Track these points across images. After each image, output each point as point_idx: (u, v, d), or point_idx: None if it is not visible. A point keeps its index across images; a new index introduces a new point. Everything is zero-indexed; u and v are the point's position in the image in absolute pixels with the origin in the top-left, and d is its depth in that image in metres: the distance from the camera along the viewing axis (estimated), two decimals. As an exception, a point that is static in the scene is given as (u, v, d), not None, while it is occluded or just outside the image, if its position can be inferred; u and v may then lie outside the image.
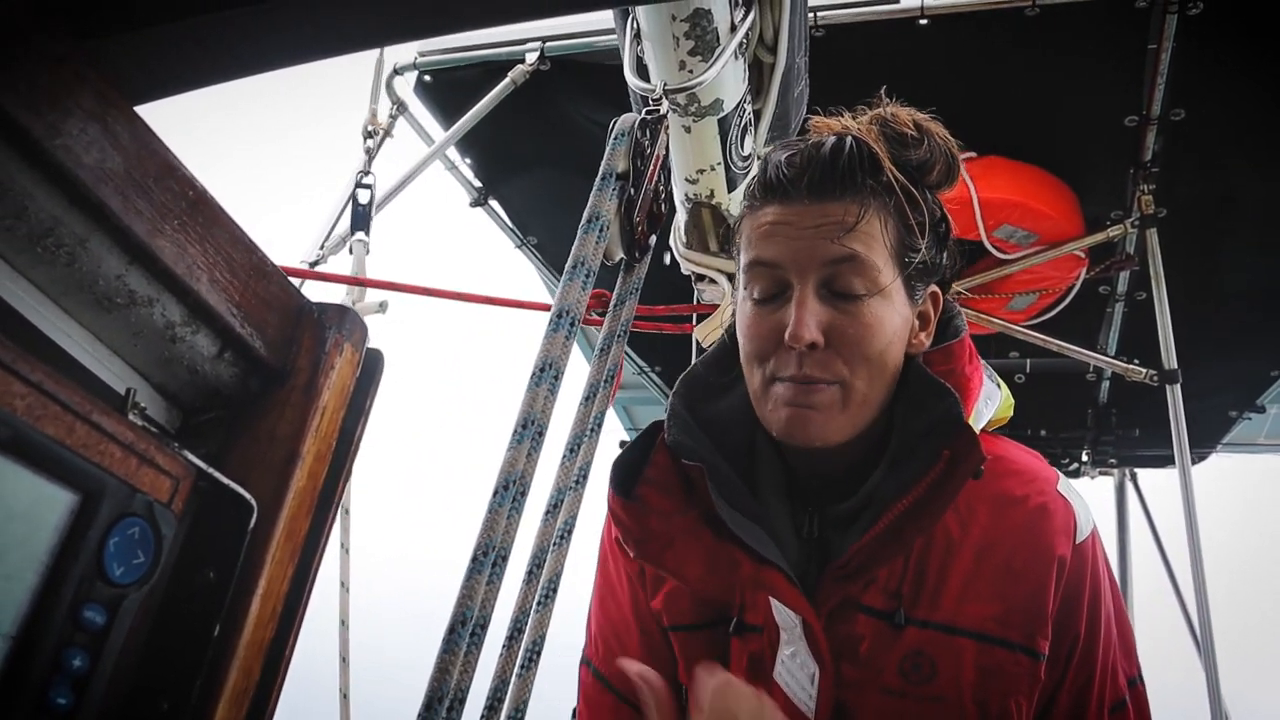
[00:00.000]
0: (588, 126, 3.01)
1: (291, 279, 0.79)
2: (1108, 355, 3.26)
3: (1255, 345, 3.37)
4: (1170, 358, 2.86)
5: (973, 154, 2.70)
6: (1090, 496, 1.26)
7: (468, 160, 3.25)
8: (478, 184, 3.34)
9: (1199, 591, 2.83)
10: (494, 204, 3.39)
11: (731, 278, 1.64)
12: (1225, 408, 3.75)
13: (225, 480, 0.65)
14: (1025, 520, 1.16)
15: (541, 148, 3.19)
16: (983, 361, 1.26)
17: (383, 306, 2.36)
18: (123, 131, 0.60)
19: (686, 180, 1.54)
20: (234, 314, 0.70)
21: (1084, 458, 4.13)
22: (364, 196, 2.62)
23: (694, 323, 2.20)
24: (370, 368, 0.79)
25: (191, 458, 0.62)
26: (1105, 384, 3.75)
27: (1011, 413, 1.32)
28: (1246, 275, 3.11)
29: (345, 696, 2.76)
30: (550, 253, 3.55)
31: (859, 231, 1.09)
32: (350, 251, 2.56)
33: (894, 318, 1.13)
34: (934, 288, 1.19)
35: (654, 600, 1.28)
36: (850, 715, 1.11)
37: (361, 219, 2.57)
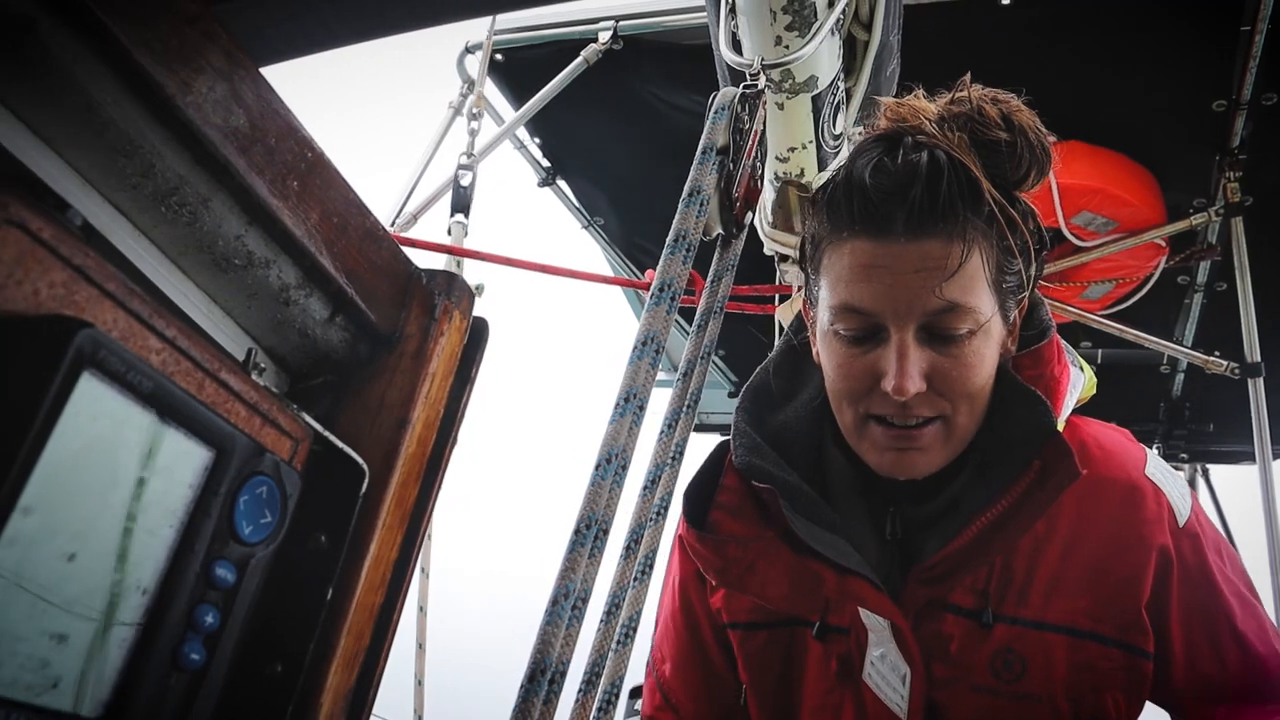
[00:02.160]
0: (659, 106, 2.99)
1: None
2: (1184, 345, 3.18)
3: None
4: (1253, 350, 2.78)
5: (1053, 138, 2.64)
6: None
7: (536, 140, 3.25)
8: (546, 164, 3.34)
9: (1278, 591, 2.75)
10: (561, 184, 3.40)
11: None
12: (1307, 404, 3.64)
13: (340, 444, 0.64)
14: (1113, 510, 1.13)
15: (611, 128, 3.18)
16: (1064, 344, 1.23)
17: (479, 289, 2.37)
18: (248, 91, 0.60)
19: (777, 158, 1.52)
20: (347, 278, 0.69)
21: (1155, 451, 4.05)
22: (465, 179, 2.62)
23: (775, 303, 2.17)
24: (476, 336, 0.78)
25: (309, 420, 0.62)
26: (1180, 376, 3.66)
27: (1094, 390, 1.29)
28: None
29: (420, 683, 2.80)
30: (616, 233, 3.55)
31: (963, 274, 1.02)
32: (449, 233, 2.58)
33: (993, 346, 1.08)
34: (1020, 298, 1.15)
35: (713, 598, 1.27)
36: (943, 714, 1.10)
37: (461, 201, 2.58)
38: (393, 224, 2.84)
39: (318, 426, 0.63)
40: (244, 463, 0.52)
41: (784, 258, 1.86)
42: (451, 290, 0.77)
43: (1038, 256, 1.13)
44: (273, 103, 0.62)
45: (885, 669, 1.11)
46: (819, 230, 1.12)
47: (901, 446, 1.06)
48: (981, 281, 1.04)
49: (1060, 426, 1.12)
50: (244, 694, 0.56)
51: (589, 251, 3.77)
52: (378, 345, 0.73)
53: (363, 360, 0.74)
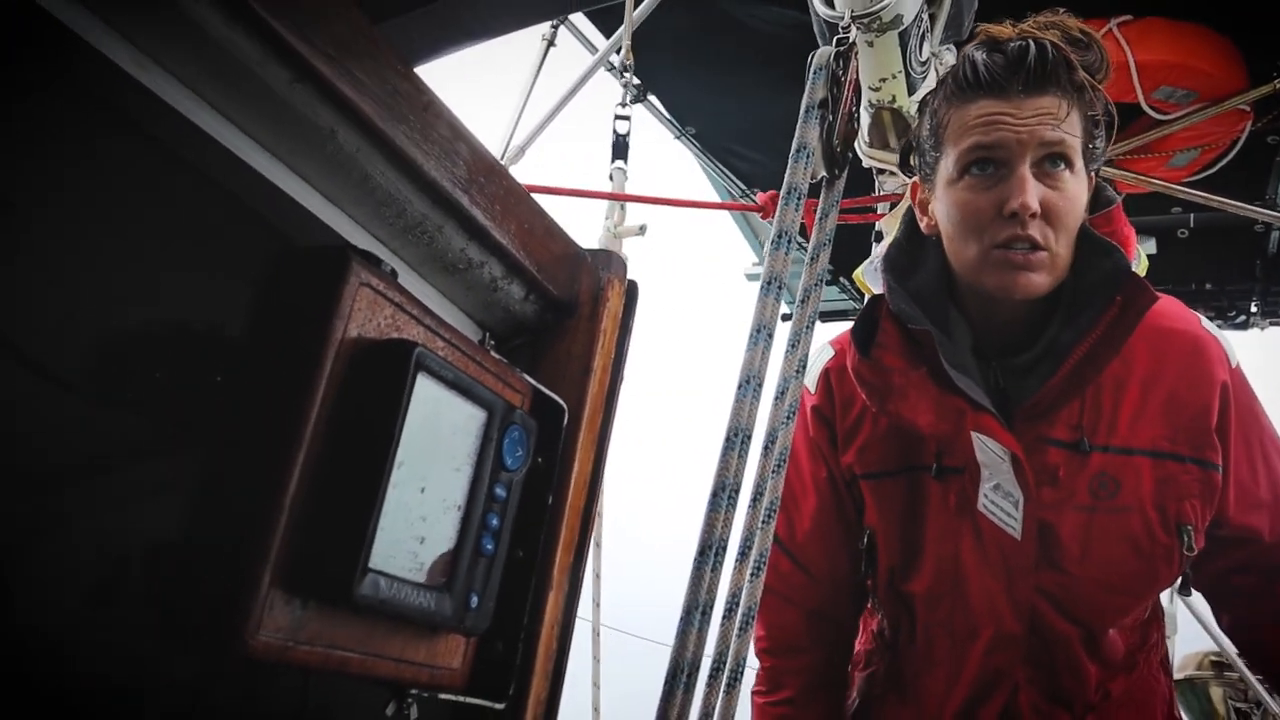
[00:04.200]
0: (742, 16, 3.12)
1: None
2: (1276, 208, 3.23)
3: None
4: (1341, 208, 2.84)
5: (1128, 17, 2.71)
6: (1263, 348, 1.49)
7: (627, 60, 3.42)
8: (636, 81, 3.51)
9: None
10: (652, 98, 3.57)
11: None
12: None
13: (548, 392, 0.89)
14: (1182, 353, 1.39)
15: (697, 41, 3.32)
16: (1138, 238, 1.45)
17: (642, 230, 2.58)
18: (465, 149, 0.83)
19: (870, 88, 1.68)
20: (536, 268, 0.93)
21: (1253, 309, 4.10)
22: (622, 128, 2.79)
23: (877, 211, 2.37)
24: (631, 296, 1.01)
25: (528, 378, 0.86)
26: (1275, 234, 3.69)
27: (1146, 271, 1.52)
28: None
29: (597, 576, 3.10)
30: (709, 141, 3.72)
31: (1067, 122, 1.28)
32: (611, 179, 2.76)
33: (1083, 194, 1.33)
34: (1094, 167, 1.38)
35: (845, 456, 1.51)
36: (1052, 531, 1.34)
37: (620, 148, 2.76)
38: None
39: (533, 382, 0.87)
40: (503, 416, 0.76)
41: (880, 171, 2.04)
42: (610, 264, 1.00)
43: (1109, 134, 1.37)
44: (480, 151, 0.85)
45: (999, 498, 1.35)
46: (939, 110, 1.38)
47: (1019, 265, 1.29)
48: (1077, 136, 1.30)
49: None
50: (506, 572, 0.82)
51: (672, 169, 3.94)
52: (560, 313, 0.97)
53: (549, 325, 0.98)
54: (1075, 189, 1.29)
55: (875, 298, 1.47)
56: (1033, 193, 1.25)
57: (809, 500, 1.55)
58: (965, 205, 1.31)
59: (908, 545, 1.46)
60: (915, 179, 1.45)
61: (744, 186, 3.88)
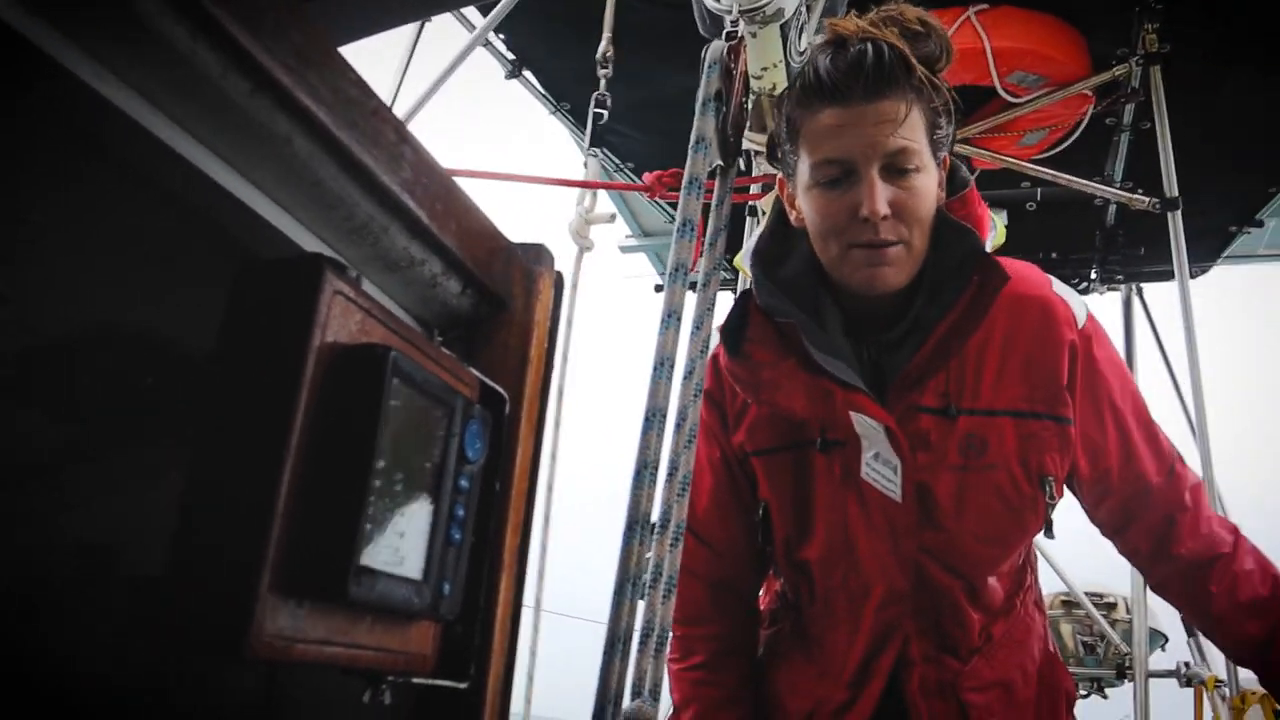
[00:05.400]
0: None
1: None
2: (1114, 184, 3.48)
3: (1253, 164, 3.58)
4: (1171, 186, 3.09)
5: (985, 5, 2.87)
6: (1099, 312, 1.62)
7: (501, 35, 3.42)
8: (511, 57, 3.51)
9: (1196, 394, 3.14)
10: (528, 74, 3.57)
11: None
12: (1225, 224, 3.99)
13: (492, 384, 0.92)
14: (1034, 317, 1.51)
15: (571, 19, 3.34)
16: (985, 205, 1.58)
17: (613, 218, 2.58)
18: (409, 152, 0.85)
19: (752, 76, 1.76)
20: (472, 263, 0.96)
21: (1093, 276, 4.41)
22: (600, 117, 2.75)
23: (751, 191, 2.46)
24: (559, 288, 1.06)
25: (475, 371, 0.90)
26: (1112, 207, 3.98)
27: (1003, 241, 1.66)
28: (1244, 101, 3.30)
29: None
30: (584, 117, 3.75)
31: (907, 123, 1.37)
32: (585, 166, 2.74)
33: (933, 185, 1.43)
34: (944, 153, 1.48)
35: (736, 435, 1.60)
36: (929, 492, 1.46)
37: (597, 136, 2.74)
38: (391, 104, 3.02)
39: (479, 375, 0.90)
40: (463, 411, 0.80)
41: (759, 153, 2.12)
42: (541, 258, 1.04)
43: (955, 119, 1.48)
44: (423, 155, 0.88)
45: (879, 465, 1.46)
46: (792, 114, 1.46)
47: (875, 263, 1.40)
48: (921, 131, 1.40)
49: None
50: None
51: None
52: (495, 306, 1.01)
53: (484, 318, 1.01)
54: (924, 184, 1.40)
55: (745, 293, 1.56)
56: (881, 198, 1.36)
57: (705, 479, 1.64)
58: (821, 210, 1.42)
59: (800, 515, 1.56)
60: (780, 175, 1.54)
61: (618, 162, 3.93)
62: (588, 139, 2.54)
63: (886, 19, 1.42)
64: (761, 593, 1.78)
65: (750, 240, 2.75)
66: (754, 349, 1.50)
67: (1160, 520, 1.56)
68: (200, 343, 0.70)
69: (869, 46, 1.37)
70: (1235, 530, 1.58)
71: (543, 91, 3.65)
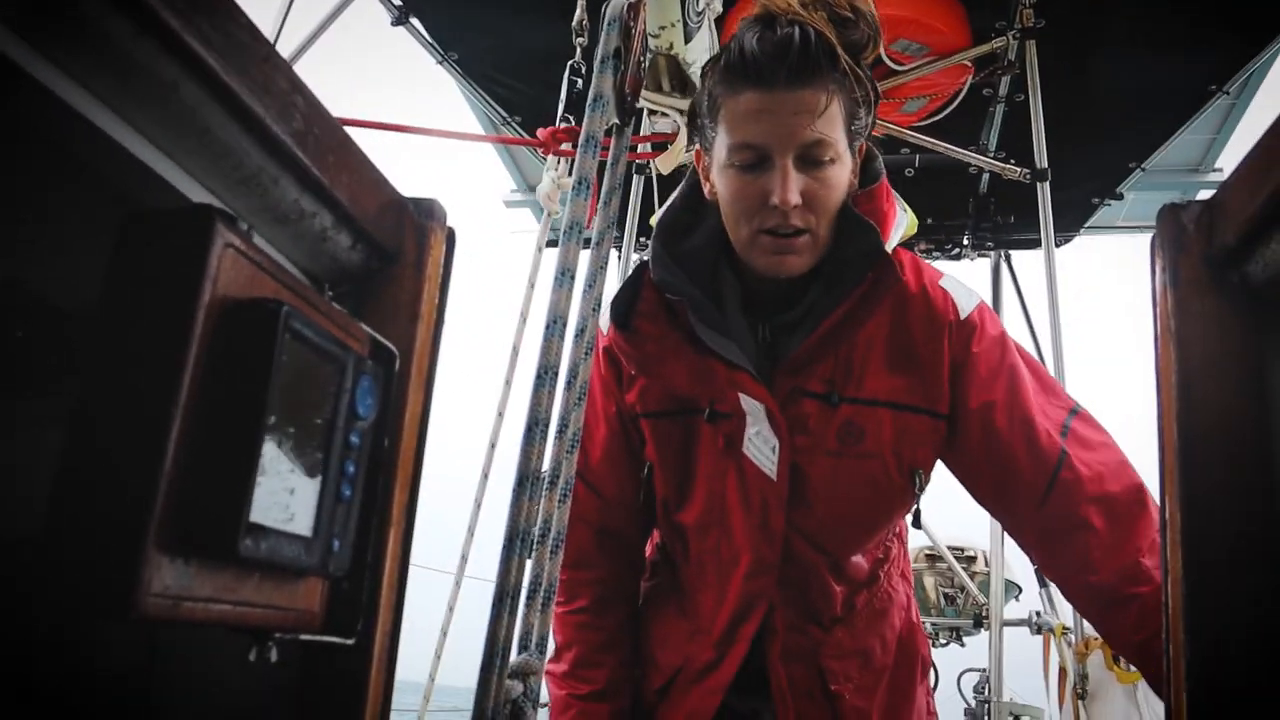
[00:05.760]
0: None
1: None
2: (988, 154, 3.61)
3: (1116, 141, 3.76)
4: (1041, 158, 3.22)
5: (874, -27, 2.92)
6: (971, 277, 1.67)
7: (387, -22, 3.32)
8: (398, 2, 3.41)
9: (1057, 358, 3.31)
10: (415, 22, 3.48)
11: (682, 113, 1.90)
12: (1089, 195, 4.18)
13: (383, 340, 0.92)
14: (918, 313, 1.54)
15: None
16: (894, 194, 1.60)
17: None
18: (302, 101, 0.83)
19: (650, 35, 1.76)
20: (363, 218, 0.95)
21: (965, 242, 4.57)
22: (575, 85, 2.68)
23: (649, 150, 2.47)
24: (451, 244, 1.05)
25: (365, 327, 0.89)
26: (986, 176, 4.13)
27: (915, 231, 1.68)
28: (1111, 80, 3.45)
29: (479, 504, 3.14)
30: (471, 68, 3.68)
31: (826, 115, 1.38)
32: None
33: (846, 175, 1.45)
34: (860, 141, 1.50)
35: (629, 395, 1.62)
36: (803, 473, 1.50)
37: (571, 105, 2.66)
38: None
39: (371, 331, 0.90)
40: (355, 367, 0.79)
41: (653, 112, 2.13)
42: (433, 213, 1.02)
43: (874, 109, 1.50)
44: (317, 105, 0.86)
45: (760, 442, 1.50)
46: (714, 90, 1.46)
47: (782, 250, 1.43)
48: (839, 123, 1.41)
49: (890, 246, 1.51)
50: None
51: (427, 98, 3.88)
52: (386, 261, 0.99)
53: (374, 273, 1.00)
54: (836, 176, 1.42)
55: (640, 265, 1.57)
56: (793, 187, 1.38)
57: (600, 430, 1.66)
58: (735, 191, 1.44)
59: (681, 480, 1.60)
60: (699, 147, 1.55)
61: (505, 114, 3.88)
62: (561, 106, 2.49)
63: (817, 1, 1.42)
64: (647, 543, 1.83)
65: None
66: (642, 323, 1.52)
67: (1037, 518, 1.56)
68: (81, 295, 0.68)
69: (796, 31, 1.37)
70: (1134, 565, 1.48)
71: (429, 40, 3.56)
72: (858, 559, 1.64)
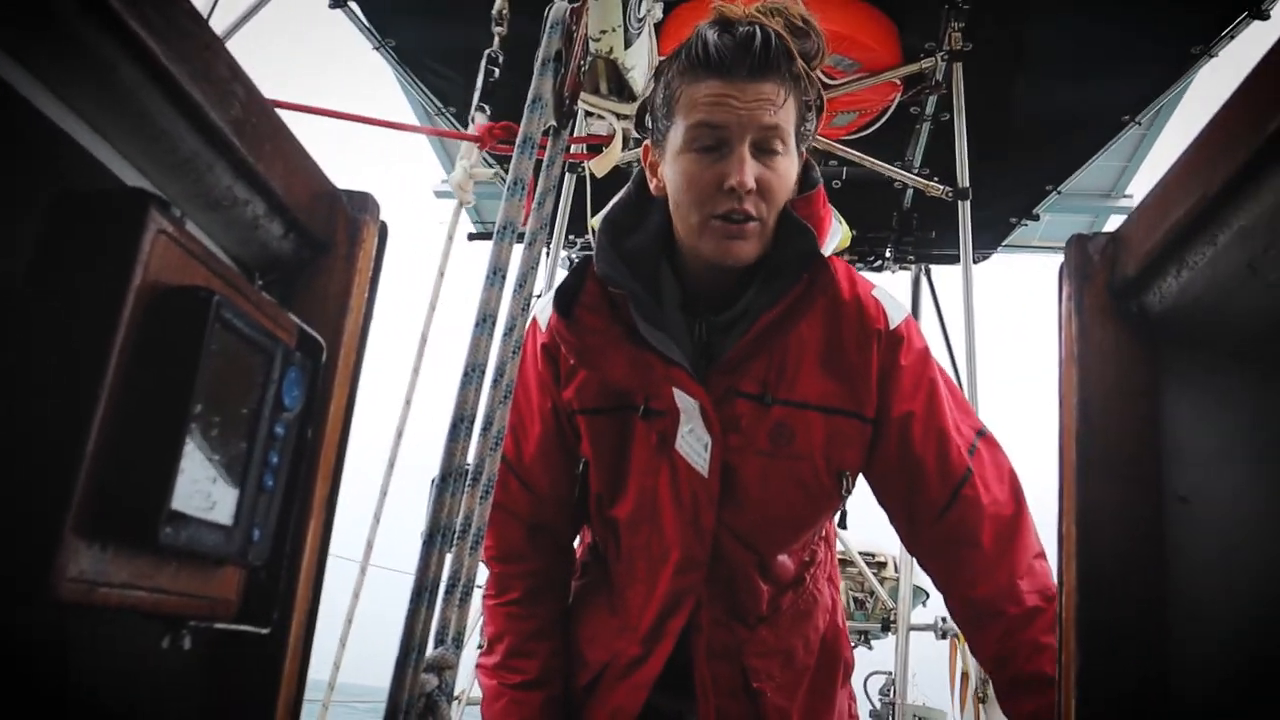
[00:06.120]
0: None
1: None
2: (913, 170, 3.70)
3: (1035, 163, 3.89)
4: (963, 177, 3.32)
5: (810, -13, 2.97)
6: (894, 287, 1.71)
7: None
8: (335, -15, 3.36)
9: (970, 367, 3.41)
10: (353, 5, 3.44)
11: (619, 116, 1.92)
12: (1007, 215, 4.31)
13: (310, 331, 0.92)
14: (850, 320, 1.59)
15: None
16: (831, 206, 1.64)
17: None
18: (241, 90, 0.83)
19: (590, 39, 1.77)
20: (296, 207, 0.94)
21: (888, 254, 4.67)
22: (493, 74, 2.64)
23: (585, 152, 2.48)
24: (383, 237, 1.05)
25: (294, 317, 0.89)
26: (909, 191, 4.23)
27: (849, 244, 1.74)
28: (1032, 106, 3.57)
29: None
30: (408, 56, 3.65)
31: (783, 108, 1.44)
32: (472, 120, 2.61)
33: (794, 171, 1.51)
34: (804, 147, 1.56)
35: (565, 391, 1.64)
36: (734, 472, 1.53)
37: (485, 94, 2.62)
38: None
39: (298, 321, 0.90)
40: (283, 358, 0.80)
41: (589, 114, 2.14)
42: (366, 206, 1.02)
43: (818, 119, 1.56)
44: (255, 94, 0.85)
45: (693, 440, 1.52)
46: (672, 82, 1.51)
47: (733, 235, 1.46)
48: (792, 119, 1.47)
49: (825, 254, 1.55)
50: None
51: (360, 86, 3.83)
52: (317, 251, 0.99)
53: (305, 263, 0.99)
54: (787, 168, 1.47)
55: (585, 258, 1.59)
56: (750, 171, 1.42)
57: (535, 427, 1.68)
58: (690, 177, 1.47)
59: (615, 476, 1.62)
60: (647, 142, 1.57)
61: (440, 105, 3.86)
62: (476, 95, 2.47)
63: (772, 10, 1.48)
64: (577, 543, 1.84)
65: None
66: (584, 314, 1.54)
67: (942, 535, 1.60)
68: (3, 271, 0.67)
69: (757, 30, 1.43)
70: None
71: (366, 25, 3.52)
72: (784, 559, 1.67)
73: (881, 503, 1.69)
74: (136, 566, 0.66)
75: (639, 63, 1.90)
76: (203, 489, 0.69)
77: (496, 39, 2.70)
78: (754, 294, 1.54)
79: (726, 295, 1.56)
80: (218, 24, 3.01)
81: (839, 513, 1.69)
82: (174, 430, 0.65)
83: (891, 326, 1.61)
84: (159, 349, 0.66)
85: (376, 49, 3.57)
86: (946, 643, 3.99)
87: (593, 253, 1.56)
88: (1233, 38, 3.26)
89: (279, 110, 0.95)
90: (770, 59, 1.43)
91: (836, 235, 1.62)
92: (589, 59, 1.81)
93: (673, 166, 1.51)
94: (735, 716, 1.63)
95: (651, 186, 1.60)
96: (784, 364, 1.56)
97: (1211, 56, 3.26)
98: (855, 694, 1.89)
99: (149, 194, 0.68)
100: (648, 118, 1.58)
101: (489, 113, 2.56)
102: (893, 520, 1.73)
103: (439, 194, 4.85)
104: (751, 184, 1.43)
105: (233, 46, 3.01)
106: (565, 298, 1.55)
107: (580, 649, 1.72)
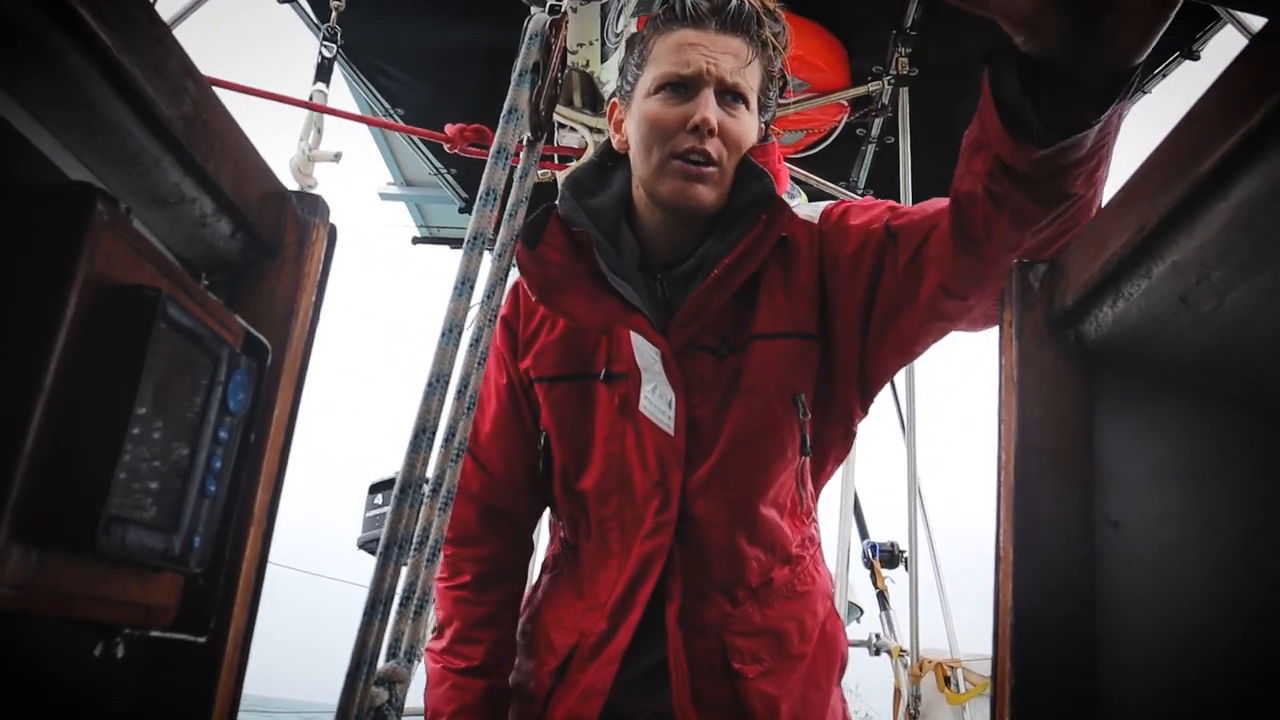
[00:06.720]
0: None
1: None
2: (858, 190, 3.76)
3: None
4: (907, 198, 3.37)
5: (764, 6, 3.01)
6: None
7: (274, -45, 3.22)
8: (284, -21, 3.31)
9: (909, 396, 3.47)
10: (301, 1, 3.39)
11: (591, 129, 1.94)
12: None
13: (256, 334, 0.90)
14: (798, 246, 1.58)
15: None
16: (792, 179, 1.70)
17: (337, 157, 2.45)
18: (192, 86, 0.82)
19: (568, 51, 1.78)
20: (245, 207, 0.93)
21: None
22: (328, 52, 2.62)
23: (555, 161, 2.49)
24: (332, 241, 1.04)
25: (240, 320, 0.88)
26: (854, 211, 4.28)
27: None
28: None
29: None
30: (357, 54, 3.60)
31: (750, 67, 1.53)
32: (310, 98, 2.57)
33: (754, 129, 1.56)
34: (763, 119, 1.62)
35: (523, 361, 1.64)
36: (699, 425, 1.53)
37: (324, 71, 2.60)
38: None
39: (245, 324, 0.88)
40: (229, 361, 0.78)
41: (561, 125, 2.15)
42: (317, 208, 1.01)
43: (780, 93, 1.63)
44: (206, 88, 0.84)
45: (656, 399, 1.52)
46: (646, 34, 1.58)
47: (691, 178, 1.50)
48: (755, 83, 1.55)
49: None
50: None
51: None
52: (264, 253, 0.98)
53: (252, 264, 0.98)
54: (748, 121, 1.54)
55: (548, 204, 1.61)
56: (714, 111, 1.49)
57: (491, 405, 1.67)
58: (655, 116, 1.52)
59: (579, 445, 1.61)
60: (615, 99, 1.60)
61: (388, 106, 3.82)
62: (314, 74, 2.45)
63: None
64: (545, 546, 1.81)
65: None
66: (547, 251, 1.55)
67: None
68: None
69: None
70: None
71: (314, 20, 3.48)
72: (770, 513, 1.58)
73: (945, 287, 1.41)
74: (72, 571, 0.65)
75: (614, 78, 1.92)
76: (144, 493, 0.68)
77: (334, 14, 2.71)
78: (711, 242, 1.56)
79: (684, 249, 1.59)
80: (165, 9, 2.95)
81: (800, 442, 1.58)
82: (115, 432, 0.64)
83: (816, 224, 1.60)
84: (102, 348, 0.64)
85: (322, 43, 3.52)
86: (885, 660, 4.02)
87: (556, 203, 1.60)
88: (1164, 76, 3.36)
89: (217, 89, 0.93)
90: (742, 17, 1.51)
91: (796, 196, 1.66)
92: (565, 71, 1.82)
93: (638, 110, 1.56)
94: (714, 699, 1.51)
95: (615, 142, 1.65)
96: (740, 307, 1.56)
97: (1145, 93, 3.35)
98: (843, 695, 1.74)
99: (94, 188, 0.66)
100: (619, 78, 1.63)
101: (325, 93, 2.55)
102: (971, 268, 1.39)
103: (384, 196, 4.80)
104: (715, 123, 1.48)
105: (179, 33, 2.96)
106: (531, 231, 1.55)
107: (548, 635, 1.64)
